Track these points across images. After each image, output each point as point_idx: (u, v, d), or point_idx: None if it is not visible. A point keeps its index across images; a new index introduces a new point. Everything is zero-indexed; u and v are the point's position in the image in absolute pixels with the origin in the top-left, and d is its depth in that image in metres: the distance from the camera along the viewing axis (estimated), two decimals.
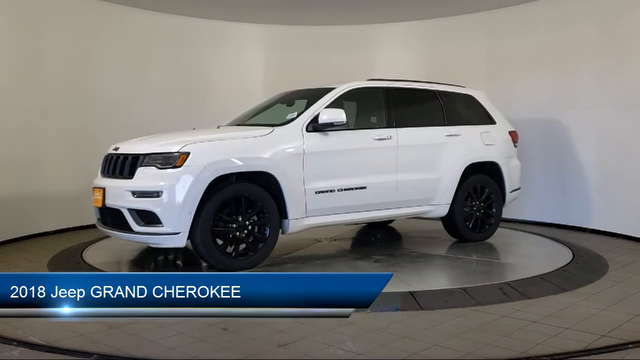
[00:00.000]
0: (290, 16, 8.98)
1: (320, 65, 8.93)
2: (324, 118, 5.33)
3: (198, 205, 4.81)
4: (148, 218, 4.83)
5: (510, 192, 6.65)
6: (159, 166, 4.87)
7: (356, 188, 5.55)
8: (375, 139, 5.72)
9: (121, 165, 5.11)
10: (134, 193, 4.87)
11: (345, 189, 5.49)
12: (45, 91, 7.39)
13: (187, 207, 4.77)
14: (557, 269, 5.18)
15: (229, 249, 5.02)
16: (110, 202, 5.08)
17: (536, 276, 4.91)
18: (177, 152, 4.86)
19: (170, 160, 4.85)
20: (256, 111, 6.30)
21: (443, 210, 6.15)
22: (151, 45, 8.64)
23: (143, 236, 4.95)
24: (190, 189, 4.78)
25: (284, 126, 5.39)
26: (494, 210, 6.51)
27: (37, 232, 7.28)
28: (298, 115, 5.47)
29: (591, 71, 7.37)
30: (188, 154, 4.84)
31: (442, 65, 8.50)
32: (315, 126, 5.36)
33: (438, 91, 6.44)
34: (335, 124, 5.35)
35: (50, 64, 7.45)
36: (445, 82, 6.71)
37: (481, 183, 6.43)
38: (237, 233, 5.01)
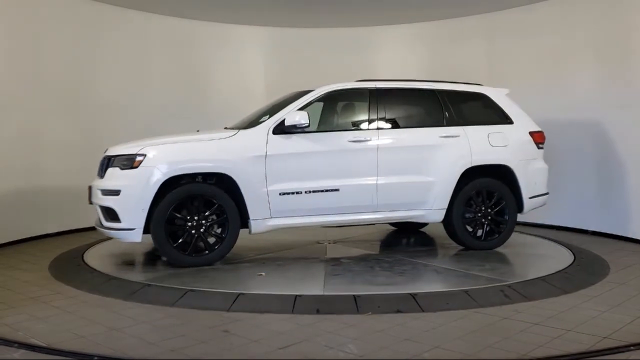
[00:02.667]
0: (292, 19, 9.00)
1: (322, 67, 8.95)
2: (288, 121, 5.41)
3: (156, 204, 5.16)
4: (111, 214, 5.26)
5: (530, 198, 6.16)
6: (121, 167, 5.28)
7: (327, 190, 5.52)
8: (351, 141, 5.64)
9: (101, 166, 5.56)
10: (102, 192, 5.33)
11: (314, 191, 5.49)
12: (47, 94, 7.41)
13: (141, 205, 5.13)
14: (558, 271, 5.17)
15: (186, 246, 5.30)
16: (92, 200, 5.55)
17: (537, 278, 4.91)
18: (135, 154, 5.24)
19: (129, 162, 5.25)
20: (261, 113, 6.30)
21: (438, 215, 5.88)
22: (152, 47, 8.66)
23: (110, 231, 5.34)
24: (144, 188, 5.14)
25: (249, 129, 5.55)
26: (506, 217, 6.08)
27: (38, 235, 7.30)
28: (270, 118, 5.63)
29: (592, 73, 7.38)
30: (144, 155, 5.21)
31: (443, 67, 8.51)
32: (282, 129, 5.45)
33: (439, 90, 6.14)
34: (298, 126, 5.42)
35: (51, 66, 7.48)
36: (459, 81, 6.42)
37: (488, 187, 6.04)
38: (193, 231, 5.27)
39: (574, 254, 5.91)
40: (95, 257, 5.88)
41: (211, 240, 5.42)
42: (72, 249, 6.38)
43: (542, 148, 6.33)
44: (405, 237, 7.13)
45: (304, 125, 5.40)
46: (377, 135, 5.72)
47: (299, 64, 9.24)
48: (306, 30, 9.38)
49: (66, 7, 7.64)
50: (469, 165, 5.91)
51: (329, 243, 6.55)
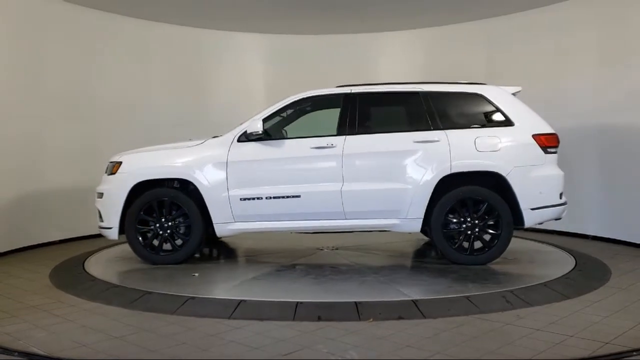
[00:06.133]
0: (292, 26, 9.04)
1: (324, 74, 8.95)
2: (249, 129, 5.61)
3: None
4: (99, 215, 5.85)
5: (533, 209, 5.50)
6: (107, 173, 5.88)
7: (288, 197, 5.54)
8: (314, 148, 5.59)
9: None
10: (96, 195, 5.91)
11: (274, 197, 5.55)
12: (49, 102, 7.45)
13: (115, 207, 5.69)
14: (559, 276, 5.16)
15: (157, 245, 5.77)
16: None
17: (539, 283, 4.90)
18: (115, 161, 5.85)
19: (111, 168, 5.84)
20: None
21: (414, 225, 5.56)
22: (153, 55, 8.70)
23: (99, 229, 5.89)
24: (117, 192, 5.69)
25: (217, 138, 5.80)
26: (500, 230, 5.50)
27: (39, 243, 7.30)
28: None
29: (592, 77, 7.40)
30: (121, 163, 5.78)
31: (444, 72, 8.48)
32: (247, 136, 5.66)
33: (423, 92, 5.78)
34: (254, 134, 5.59)
35: (52, 75, 7.51)
36: (459, 82, 6.01)
37: (475, 196, 5.52)
38: (160, 232, 5.73)
39: (575, 259, 5.91)
40: (95, 265, 5.89)
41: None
42: (72, 257, 6.39)
43: (552, 152, 5.66)
44: (428, 249, 6.72)
45: (259, 133, 5.57)
46: (343, 142, 5.59)
47: (300, 71, 9.26)
48: (307, 37, 9.42)
49: (67, 15, 7.68)
50: (447, 172, 5.48)
51: (329, 249, 6.56)
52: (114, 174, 5.77)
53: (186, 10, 8.21)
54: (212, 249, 6.87)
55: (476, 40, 8.73)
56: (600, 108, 7.26)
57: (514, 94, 5.95)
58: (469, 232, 5.55)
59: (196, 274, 5.38)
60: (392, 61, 9.46)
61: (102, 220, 5.81)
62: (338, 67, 9.18)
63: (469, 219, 5.54)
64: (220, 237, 6.83)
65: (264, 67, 9.61)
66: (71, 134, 7.71)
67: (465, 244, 5.59)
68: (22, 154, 7.07)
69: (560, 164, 5.78)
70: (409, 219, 5.55)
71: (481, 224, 5.54)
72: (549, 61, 7.90)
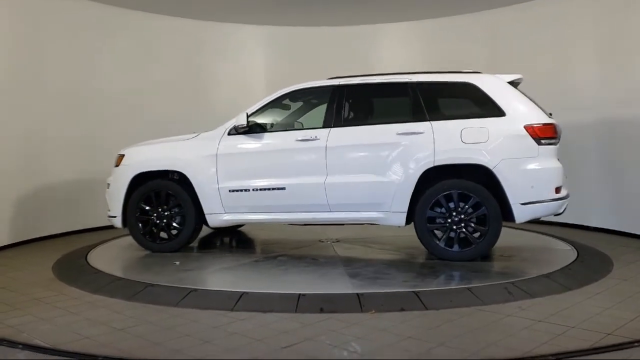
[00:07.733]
0: (294, 17, 9.02)
1: (323, 65, 8.92)
2: (237, 122, 5.74)
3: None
4: (107, 204, 6.17)
5: (524, 204, 5.19)
6: (115, 165, 6.16)
7: (273, 189, 5.62)
8: (299, 140, 5.61)
9: None
10: (106, 185, 6.22)
11: (261, 189, 5.66)
12: (51, 96, 7.44)
13: (117, 197, 6.00)
14: (561, 268, 5.16)
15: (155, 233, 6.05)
16: None
17: (540, 275, 4.90)
18: (119, 154, 6.16)
19: (116, 161, 6.15)
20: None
21: (399, 218, 5.42)
22: (155, 48, 8.69)
23: (109, 218, 6.18)
24: (119, 183, 6.01)
25: (210, 131, 5.96)
26: (487, 225, 5.26)
27: (42, 236, 7.32)
28: None
29: (591, 70, 7.37)
30: (123, 156, 6.10)
31: (444, 64, 8.44)
32: (236, 129, 5.79)
33: (412, 83, 5.58)
34: (241, 127, 5.73)
35: (54, 69, 7.51)
36: (448, 71, 5.80)
37: (461, 190, 5.30)
38: (158, 221, 5.97)
39: (576, 250, 5.90)
40: (98, 258, 5.90)
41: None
42: (75, 250, 6.41)
43: (547, 144, 5.29)
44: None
45: (244, 126, 5.69)
46: (327, 134, 5.55)
47: (302, 62, 9.24)
48: (308, 29, 9.39)
49: (68, 8, 7.65)
50: (430, 166, 5.29)
51: (331, 242, 6.56)
52: (117, 166, 6.11)
53: (188, 3, 8.18)
54: (232, 239, 7.02)
55: (477, 32, 8.70)
56: (603, 100, 7.23)
57: (513, 83, 5.66)
58: (455, 227, 5.34)
59: (177, 263, 5.50)
60: (394, 53, 9.42)
61: (109, 210, 6.13)
62: (339, 59, 9.13)
63: (454, 214, 5.32)
64: (239, 227, 7.35)
65: (266, 59, 9.58)
66: (73, 129, 7.70)
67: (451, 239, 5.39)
68: (25, 149, 7.08)
69: (562, 156, 5.61)
70: (393, 212, 5.43)
71: (467, 218, 5.31)
72: (552, 53, 7.86)
